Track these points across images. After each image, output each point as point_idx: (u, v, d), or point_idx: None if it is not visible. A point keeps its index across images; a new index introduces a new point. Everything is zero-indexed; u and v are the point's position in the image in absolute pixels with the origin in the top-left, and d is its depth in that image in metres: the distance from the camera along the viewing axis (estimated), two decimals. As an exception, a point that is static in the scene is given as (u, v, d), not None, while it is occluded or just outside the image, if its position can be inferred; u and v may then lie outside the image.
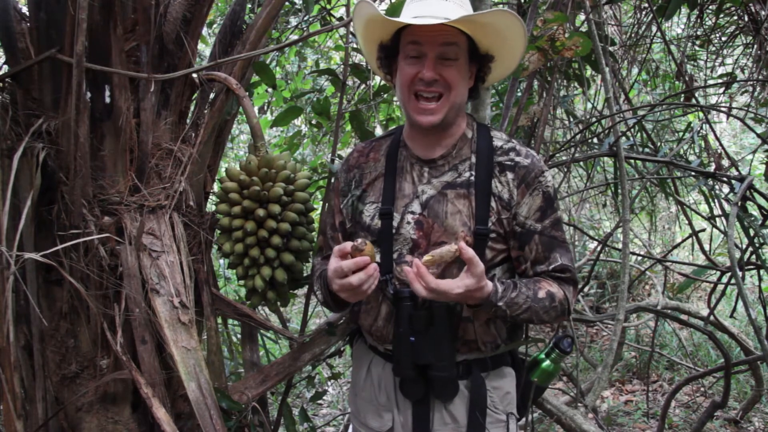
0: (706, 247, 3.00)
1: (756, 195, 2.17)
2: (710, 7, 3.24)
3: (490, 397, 1.56)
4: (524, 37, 1.50)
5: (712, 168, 2.38)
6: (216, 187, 1.89)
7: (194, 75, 1.78)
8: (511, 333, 1.62)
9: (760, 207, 2.20)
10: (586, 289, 4.68)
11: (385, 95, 2.90)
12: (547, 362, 1.64)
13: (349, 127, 3.58)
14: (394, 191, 1.57)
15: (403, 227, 1.54)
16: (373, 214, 1.59)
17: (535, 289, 1.50)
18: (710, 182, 2.36)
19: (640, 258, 4.45)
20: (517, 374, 1.65)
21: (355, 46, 2.24)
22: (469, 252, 1.37)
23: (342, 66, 2.47)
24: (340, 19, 2.83)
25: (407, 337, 1.49)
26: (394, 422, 1.61)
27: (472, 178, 1.52)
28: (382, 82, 2.99)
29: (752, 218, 2.15)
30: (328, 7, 3.08)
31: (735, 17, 3.37)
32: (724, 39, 3.58)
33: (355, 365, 1.74)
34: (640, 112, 2.86)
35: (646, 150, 2.73)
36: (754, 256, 2.28)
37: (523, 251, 1.53)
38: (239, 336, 2.18)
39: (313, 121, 3.22)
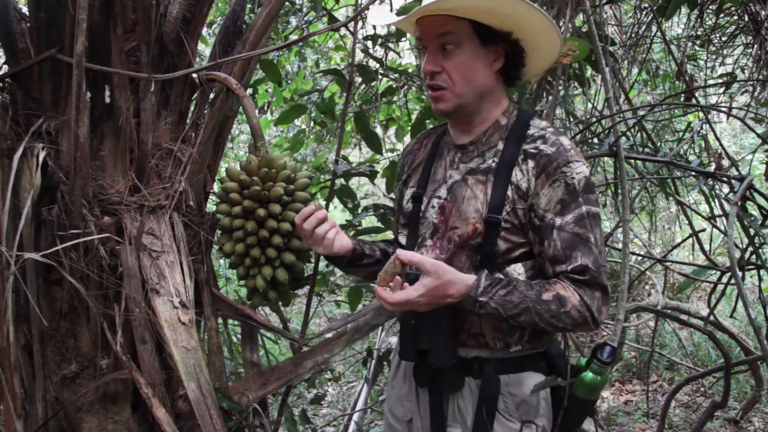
0: (706, 247, 2.99)
1: (756, 195, 2.17)
2: (710, 7, 3.24)
3: (504, 401, 1.47)
4: (534, 10, 1.39)
5: (712, 168, 2.38)
6: (216, 187, 1.89)
7: (194, 75, 1.78)
8: (534, 336, 1.49)
9: (760, 207, 2.19)
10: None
11: (390, 96, 2.90)
12: (587, 373, 1.49)
13: (349, 127, 3.57)
14: (429, 176, 1.58)
15: (428, 211, 1.54)
16: (409, 197, 1.60)
17: (539, 290, 1.37)
18: (710, 182, 2.36)
19: (640, 258, 4.44)
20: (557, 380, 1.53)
21: (360, 46, 2.24)
22: (407, 255, 1.36)
23: (346, 66, 2.47)
24: (339, 19, 2.83)
25: (409, 320, 1.49)
26: (414, 413, 1.61)
27: (494, 165, 1.46)
28: (388, 83, 2.99)
29: (752, 218, 2.15)
30: (329, 7, 3.08)
31: (735, 17, 3.37)
32: (724, 39, 3.58)
33: (394, 354, 1.75)
34: (640, 112, 2.85)
35: (646, 150, 2.73)
36: (754, 256, 2.27)
37: (543, 247, 1.42)
38: (239, 336, 2.18)
39: (318, 120, 3.21)
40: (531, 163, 1.42)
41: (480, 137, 1.51)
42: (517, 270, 1.46)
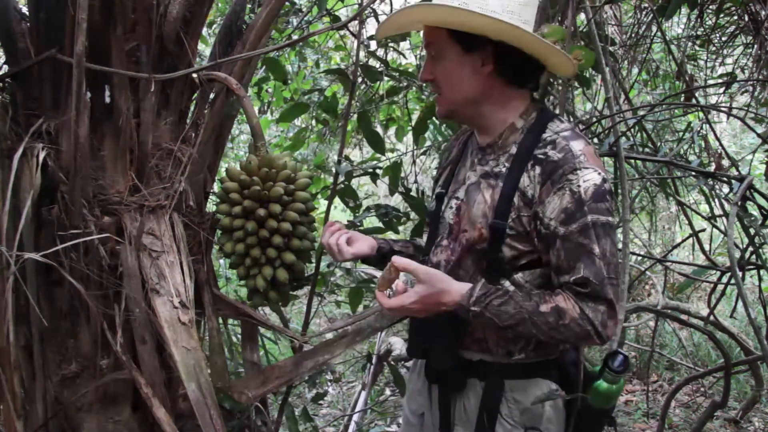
0: (706, 247, 2.99)
1: (756, 195, 2.17)
2: (710, 7, 3.24)
3: (508, 406, 1.46)
4: (473, 15, 1.32)
5: (712, 168, 2.38)
6: (216, 187, 1.89)
7: (194, 75, 1.78)
8: (542, 345, 1.46)
9: (760, 207, 2.19)
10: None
11: (393, 96, 2.89)
12: (601, 383, 1.45)
13: (349, 127, 3.57)
14: (453, 175, 1.59)
15: (446, 212, 1.55)
16: (433, 196, 1.62)
17: (538, 301, 1.34)
18: (710, 182, 2.36)
19: (640, 258, 4.44)
20: (570, 390, 1.51)
21: (364, 48, 2.24)
22: (402, 262, 1.37)
23: (348, 66, 2.47)
24: (340, 19, 2.83)
25: (415, 318, 1.51)
26: (425, 408, 1.63)
27: (504, 170, 1.44)
28: (390, 83, 2.99)
29: (752, 218, 2.15)
30: (330, 6, 3.07)
31: (735, 17, 3.37)
32: (724, 39, 3.57)
33: None
34: (640, 112, 2.85)
35: (646, 150, 2.73)
36: (754, 256, 2.27)
37: (549, 256, 1.38)
38: (239, 336, 2.18)
39: (320, 119, 3.21)
40: (538, 170, 1.38)
41: (496, 140, 1.49)
42: (525, 277, 1.43)
